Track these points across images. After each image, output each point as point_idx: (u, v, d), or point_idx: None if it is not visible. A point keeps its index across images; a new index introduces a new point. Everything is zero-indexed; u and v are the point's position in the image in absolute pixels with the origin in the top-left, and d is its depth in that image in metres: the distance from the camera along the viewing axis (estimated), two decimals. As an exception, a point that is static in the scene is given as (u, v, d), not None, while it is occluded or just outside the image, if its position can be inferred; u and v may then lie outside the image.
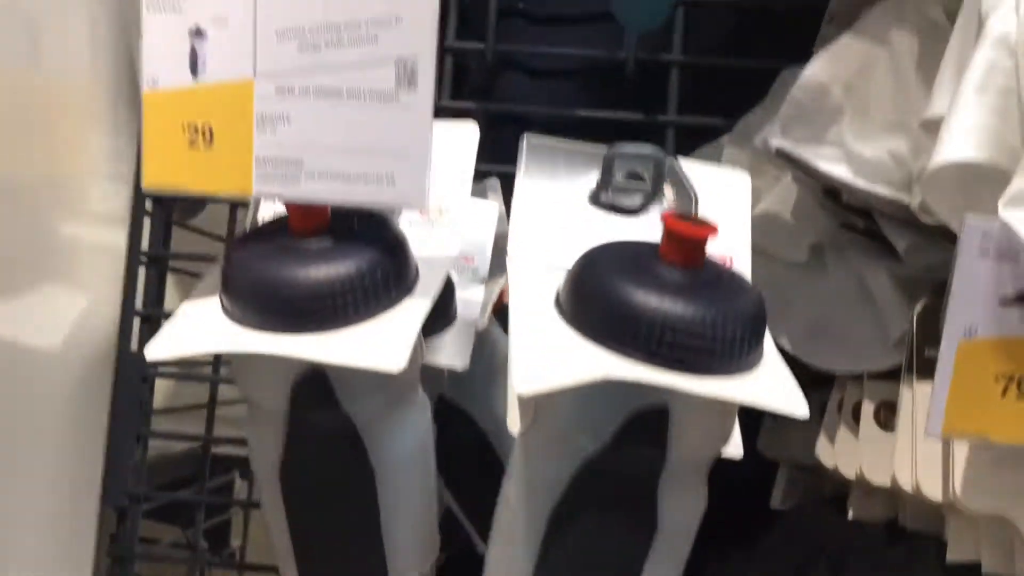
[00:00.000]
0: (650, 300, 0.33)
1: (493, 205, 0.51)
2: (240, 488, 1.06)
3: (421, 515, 0.42)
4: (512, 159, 0.41)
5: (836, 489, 0.63)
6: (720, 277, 0.35)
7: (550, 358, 0.33)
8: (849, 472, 0.52)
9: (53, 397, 0.49)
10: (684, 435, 0.34)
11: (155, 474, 0.68)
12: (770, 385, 0.34)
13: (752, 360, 0.34)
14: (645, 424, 0.34)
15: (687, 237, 0.34)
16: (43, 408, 0.48)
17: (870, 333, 0.51)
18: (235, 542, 1.06)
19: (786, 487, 0.64)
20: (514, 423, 0.41)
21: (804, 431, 0.63)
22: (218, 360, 0.93)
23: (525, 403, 0.40)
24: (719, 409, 0.35)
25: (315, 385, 0.37)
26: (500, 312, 0.52)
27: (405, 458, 0.40)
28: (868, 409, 0.51)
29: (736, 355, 0.33)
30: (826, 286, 0.54)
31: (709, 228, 0.34)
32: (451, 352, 0.44)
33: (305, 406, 0.38)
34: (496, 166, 0.53)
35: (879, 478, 0.49)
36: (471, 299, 0.48)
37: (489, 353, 0.52)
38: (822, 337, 0.53)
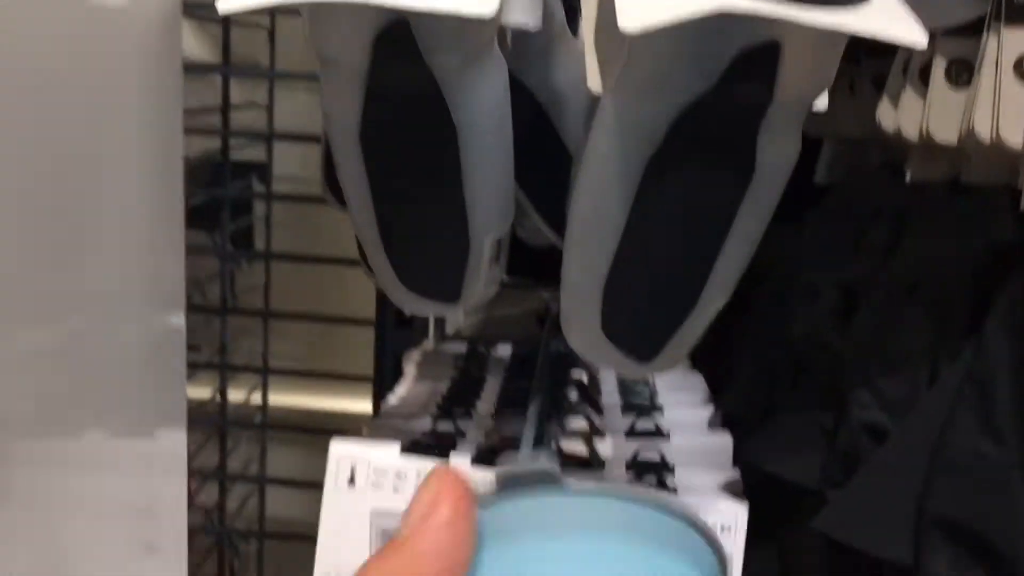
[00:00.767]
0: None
1: None
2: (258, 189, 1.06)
3: (500, 176, 0.42)
4: None
5: (885, 160, 0.63)
6: None
7: (657, -7, 0.31)
8: (912, 132, 0.52)
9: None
10: (793, 73, 0.33)
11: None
12: (886, 16, 0.32)
13: None
14: (753, 62, 0.33)
15: None
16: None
17: (949, -16, 0.48)
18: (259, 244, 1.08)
19: (831, 161, 0.64)
20: (594, 81, 0.40)
21: (851, 102, 0.62)
22: (227, 55, 0.90)
23: (610, 52, 0.38)
24: (831, 43, 0.33)
25: (398, 36, 0.36)
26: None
27: (486, 115, 0.39)
28: (939, 66, 0.50)
29: None
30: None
31: None
32: (522, 8, 0.42)
33: (386, 60, 0.36)
34: None
35: (945, 135, 0.49)
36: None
37: (547, 22, 0.50)
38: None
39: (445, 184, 0.40)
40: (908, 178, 0.54)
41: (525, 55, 0.50)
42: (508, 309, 0.91)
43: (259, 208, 1.03)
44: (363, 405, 0.97)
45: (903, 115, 0.52)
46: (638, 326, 0.40)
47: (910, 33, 0.31)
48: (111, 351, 0.51)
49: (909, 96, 0.52)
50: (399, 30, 0.36)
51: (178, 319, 0.55)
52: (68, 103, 0.45)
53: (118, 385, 0.52)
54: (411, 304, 0.46)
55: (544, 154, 0.55)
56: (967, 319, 0.44)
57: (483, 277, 0.45)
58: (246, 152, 1.02)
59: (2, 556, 0.48)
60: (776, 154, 0.36)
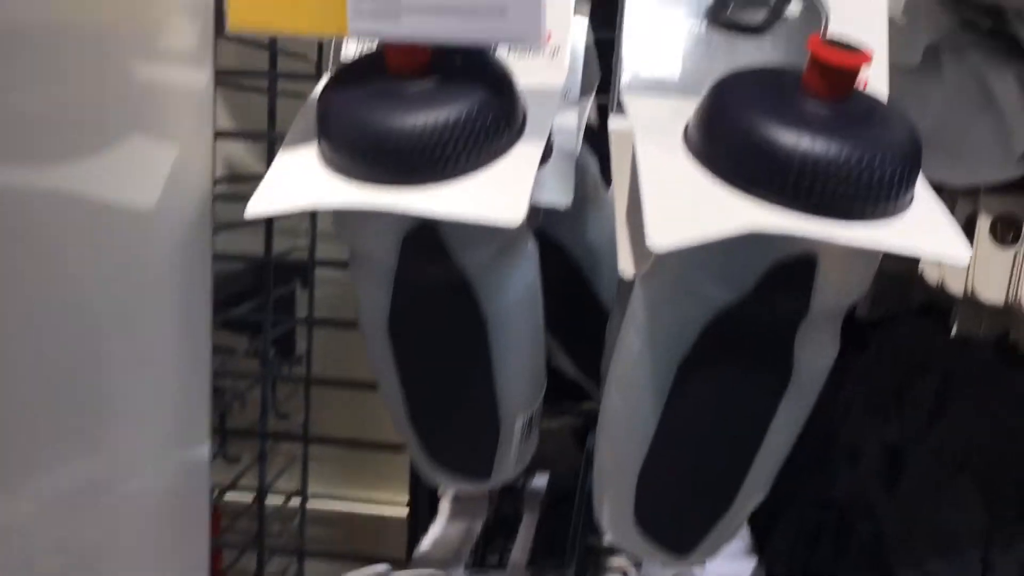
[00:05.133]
0: (799, 140, 0.30)
1: (580, 19, 0.47)
2: (301, 296, 1.07)
3: (531, 358, 0.41)
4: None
5: (928, 298, 0.62)
6: (870, 110, 0.32)
7: (687, 207, 0.31)
8: (957, 289, 0.50)
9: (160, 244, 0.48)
10: (830, 284, 0.32)
11: (219, 287, 0.69)
12: (928, 229, 0.31)
13: (906, 201, 0.31)
14: (789, 275, 0.32)
15: (837, 67, 0.31)
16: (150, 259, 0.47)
17: (990, 142, 0.47)
18: (301, 347, 1.07)
19: (875, 296, 0.63)
20: (625, 264, 0.39)
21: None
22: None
23: (642, 237, 0.37)
24: (870, 256, 0.32)
25: (426, 238, 0.35)
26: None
27: (517, 305, 0.39)
28: (984, 224, 0.48)
29: (891, 197, 0.30)
30: (941, 92, 0.49)
31: (861, 56, 0.31)
32: (553, 188, 0.41)
33: (415, 259, 0.36)
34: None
35: (992, 295, 0.47)
36: (565, 125, 0.45)
37: (580, 179, 0.49)
38: (936, 147, 0.50)
39: (475, 371, 0.39)
40: (954, 332, 0.53)
41: (561, 215, 0.49)
42: (544, 422, 0.89)
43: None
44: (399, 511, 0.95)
45: (947, 268, 0.51)
46: (673, 521, 0.39)
47: (950, 247, 0.30)
48: (135, 496, 0.50)
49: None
50: (427, 231, 0.35)
51: (202, 470, 0.55)
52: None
53: (140, 532, 0.51)
54: (442, 479, 0.45)
55: (577, 307, 0.54)
56: (1021, 504, 0.41)
57: (514, 454, 0.44)
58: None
59: None
60: (815, 356, 0.34)
